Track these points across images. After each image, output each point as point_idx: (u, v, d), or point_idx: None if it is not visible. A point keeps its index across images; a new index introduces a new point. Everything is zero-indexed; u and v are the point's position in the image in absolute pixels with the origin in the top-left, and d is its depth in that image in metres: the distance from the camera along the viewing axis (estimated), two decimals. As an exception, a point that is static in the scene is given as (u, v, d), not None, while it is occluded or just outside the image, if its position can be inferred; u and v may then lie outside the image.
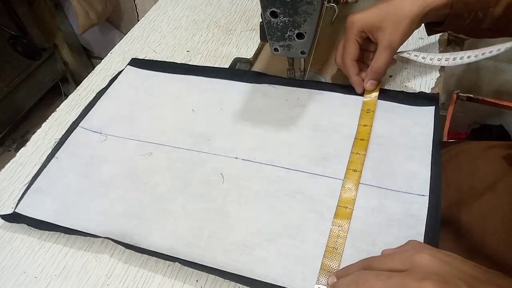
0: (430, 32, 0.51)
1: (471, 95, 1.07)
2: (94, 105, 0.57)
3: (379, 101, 0.50)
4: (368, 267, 0.33)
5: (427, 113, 0.48)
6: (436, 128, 0.47)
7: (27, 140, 0.55)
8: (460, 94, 1.08)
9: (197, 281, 0.40)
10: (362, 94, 0.51)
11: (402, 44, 0.46)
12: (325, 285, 0.37)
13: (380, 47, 0.46)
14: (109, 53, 0.68)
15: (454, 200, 0.44)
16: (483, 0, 0.43)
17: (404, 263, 0.31)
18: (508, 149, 0.53)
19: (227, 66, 0.62)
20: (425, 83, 0.54)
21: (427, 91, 0.52)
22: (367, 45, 0.50)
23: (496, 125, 1.17)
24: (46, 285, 0.41)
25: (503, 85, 1.12)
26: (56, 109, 0.59)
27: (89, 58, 1.71)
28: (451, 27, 0.46)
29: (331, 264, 0.38)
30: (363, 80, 0.50)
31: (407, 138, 0.46)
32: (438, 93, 0.51)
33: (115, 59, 0.67)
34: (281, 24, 0.44)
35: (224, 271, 0.38)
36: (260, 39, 0.49)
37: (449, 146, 0.53)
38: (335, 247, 0.39)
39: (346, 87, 0.52)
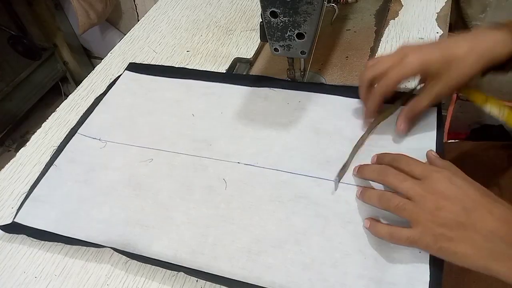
0: (483, 75, 0.46)
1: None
2: (92, 111, 0.57)
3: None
4: (396, 161, 0.39)
5: (430, 115, 0.48)
6: (439, 130, 0.46)
7: (27, 140, 0.55)
8: (460, 94, 1.07)
9: (197, 281, 0.40)
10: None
11: (453, 93, 0.42)
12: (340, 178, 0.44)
13: (433, 91, 0.43)
14: (109, 53, 0.68)
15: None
16: None
17: (422, 173, 0.37)
18: (508, 149, 0.53)
19: (227, 66, 0.62)
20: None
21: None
22: None
23: (496, 125, 1.17)
24: (46, 285, 0.41)
25: (503, 85, 1.12)
26: (56, 109, 0.59)
27: (89, 58, 1.71)
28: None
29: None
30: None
31: (410, 139, 0.46)
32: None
33: (115, 59, 0.67)
34: (281, 24, 0.44)
35: (230, 279, 0.38)
36: (260, 39, 0.49)
37: (449, 146, 0.53)
38: None
39: (347, 90, 0.52)
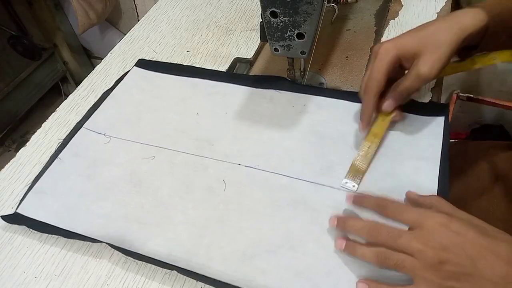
0: (462, 57, 0.47)
1: (471, 95, 1.07)
2: (99, 106, 0.57)
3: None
4: (382, 208, 0.37)
5: (436, 123, 0.47)
6: (445, 140, 0.45)
7: (27, 140, 0.55)
8: (460, 94, 1.07)
9: (197, 281, 0.40)
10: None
11: (438, 74, 0.42)
12: (352, 180, 0.43)
13: (413, 71, 0.42)
14: (109, 53, 0.68)
15: (454, 199, 0.44)
16: None
17: (415, 222, 0.34)
18: (508, 149, 0.53)
19: (227, 66, 0.62)
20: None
21: (427, 91, 0.52)
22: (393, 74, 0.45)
23: (496, 125, 1.17)
24: (46, 285, 0.41)
25: (503, 85, 1.12)
26: (56, 109, 0.59)
27: (89, 58, 1.71)
28: (487, 47, 0.44)
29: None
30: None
31: (415, 149, 0.45)
32: (448, 103, 0.50)
33: (115, 59, 0.67)
34: (281, 24, 0.44)
35: (222, 281, 0.38)
36: (260, 39, 0.49)
37: (449, 146, 0.53)
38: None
39: (353, 95, 0.51)
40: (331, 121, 0.50)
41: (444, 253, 0.31)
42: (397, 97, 0.44)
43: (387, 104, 0.45)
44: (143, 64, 0.63)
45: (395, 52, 0.42)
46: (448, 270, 0.31)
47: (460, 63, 0.47)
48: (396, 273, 0.35)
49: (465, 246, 0.31)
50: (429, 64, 0.41)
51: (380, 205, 0.38)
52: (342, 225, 0.38)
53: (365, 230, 0.36)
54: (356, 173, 0.44)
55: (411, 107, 0.49)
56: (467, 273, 0.31)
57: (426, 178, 0.42)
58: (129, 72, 0.62)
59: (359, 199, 0.40)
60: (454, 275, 0.31)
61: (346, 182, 0.43)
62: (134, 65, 0.63)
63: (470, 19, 0.41)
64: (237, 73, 0.61)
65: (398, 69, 0.44)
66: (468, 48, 0.44)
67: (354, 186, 0.43)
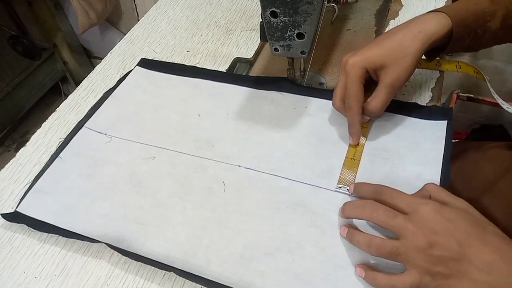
0: (430, 58, 0.49)
1: (471, 95, 1.07)
2: (100, 105, 0.57)
3: (388, 113, 0.48)
4: (378, 193, 0.38)
5: (439, 128, 0.46)
6: (448, 144, 0.44)
7: (27, 140, 0.55)
8: (460, 94, 1.07)
9: (195, 283, 0.40)
10: None
11: (406, 82, 0.44)
12: (346, 185, 0.43)
13: (381, 84, 0.43)
14: (109, 53, 0.68)
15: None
16: (480, 17, 0.42)
17: (408, 207, 0.35)
18: (508, 149, 0.53)
19: (227, 66, 0.62)
20: (426, 83, 0.54)
21: (427, 91, 0.52)
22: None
23: (496, 125, 1.17)
24: (46, 285, 0.41)
25: (503, 85, 1.12)
26: (56, 109, 0.59)
27: (89, 58, 1.72)
28: (452, 51, 0.45)
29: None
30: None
31: (416, 153, 0.45)
32: (452, 107, 0.49)
33: (115, 59, 0.67)
34: (281, 24, 0.44)
35: (220, 283, 0.38)
36: (260, 39, 0.49)
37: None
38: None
39: None
40: (332, 123, 0.50)
41: (434, 237, 0.33)
42: (372, 114, 0.45)
43: (366, 119, 0.47)
44: (145, 63, 0.62)
45: (363, 64, 0.43)
46: (437, 255, 0.32)
47: (426, 62, 0.49)
48: (393, 266, 0.36)
49: (455, 233, 0.33)
50: (395, 75, 0.42)
51: (377, 191, 0.39)
52: (344, 211, 0.40)
53: (360, 208, 0.38)
54: (348, 175, 0.44)
55: (415, 111, 0.48)
56: (455, 258, 0.32)
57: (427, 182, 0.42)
58: (131, 72, 0.62)
59: (357, 186, 0.42)
60: (442, 260, 0.32)
61: (340, 187, 0.43)
62: (137, 65, 0.63)
63: (435, 24, 0.42)
64: (239, 74, 0.60)
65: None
66: (435, 50, 0.46)
67: (347, 190, 0.43)
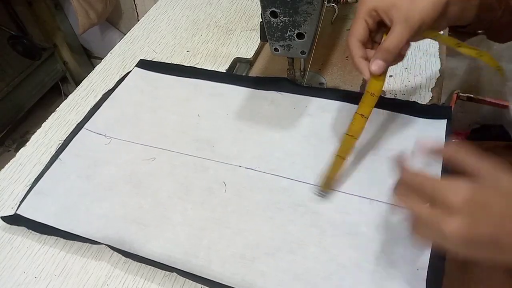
0: (462, 36, 0.43)
1: (471, 95, 1.07)
2: (100, 106, 0.57)
3: (388, 112, 0.48)
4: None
5: (439, 126, 0.46)
6: (447, 143, 0.44)
7: (27, 140, 0.55)
8: (460, 94, 1.07)
9: (196, 283, 0.40)
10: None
11: (424, 23, 0.37)
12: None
13: (395, 22, 0.37)
14: (109, 53, 0.68)
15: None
16: None
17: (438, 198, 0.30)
18: (508, 149, 0.53)
19: (227, 66, 0.62)
20: (425, 83, 0.54)
21: (427, 91, 0.52)
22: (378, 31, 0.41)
23: (496, 125, 1.17)
24: (46, 285, 0.41)
25: (503, 85, 1.12)
26: (56, 109, 0.59)
27: (89, 58, 1.71)
28: (481, 25, 0.39)
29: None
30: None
31: (417, 152, 0.44)
32: (451, 106, 0.49)
33: (115, 59, 0.67)
34: (281, 24, 0.44)
35: (221, 283, 0.38)
36: (260, 39, 0.49)
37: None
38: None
39: (355, 97, 0.50)
40: (332, 123, 0.50)
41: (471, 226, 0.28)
42: (384, 55, 0.38)
43: (375, 65, 0.38)
44: (144, 64, 0.62)
45: (372, 5, 0.38)
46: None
47: (448, 38, 0.43)
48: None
49: (488, 220, 0.28)
50: (408, 12, 0.36)
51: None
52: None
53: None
54: (329, 180, 0.43)
55: (414, 110, 0.48)
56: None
57: None
58: (130, 73, 0.61)
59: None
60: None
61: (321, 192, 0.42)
62: (135, 66, 0.62)
63: None
64: (238, 74, 0.60)
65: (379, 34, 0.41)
66: (460, 28, 0.41)
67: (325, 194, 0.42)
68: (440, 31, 0.40)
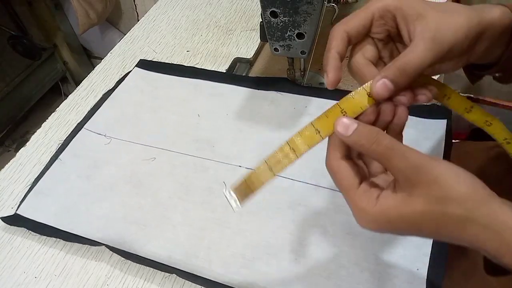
0: (474, 78, 0.37)
1: (471, 95, 1.07)
2: (99, 107, 0.57)
3: None
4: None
5: (439, 126, 0.46)
6: (448, 143, 0.44)
7: (27, 140, 0.55)
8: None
9: (196, 284, 0.40)
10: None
11: (456, 47, 0.28)
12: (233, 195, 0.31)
13: (418, 37, 0.28)
14: (109, 53, 0.68)
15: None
16: None
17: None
18: (508, 149, 0.53)
19: (227, 66, 0.62)
20: (425, 83, 0.54)
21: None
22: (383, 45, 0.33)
23: (496, 125, 1.17)
24: (46, 285, 0.41)
25: (503, 85, 1.12)
26: (56, 109, 0.59)
27: (89, 58, 1.71)
28: (510, 63, 0.32)
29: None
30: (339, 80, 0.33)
31: None
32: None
33: (115, 59, 0.67)
34: (281, 24, 0.44)
35: (222, 284, 0.38)
36: (260, 39, 0.49)
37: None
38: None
39: None
40: None
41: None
42: (398, 75, 0.28)
43: (382, 85, 0.28)
44: (144, 64, 0.62)
45: (386, 5, 0.29)
46: None
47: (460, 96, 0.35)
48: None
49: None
50: (437, 26, 0.27)
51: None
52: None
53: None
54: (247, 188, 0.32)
55: (414, 110, 0.48)
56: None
57: None
58: (130, 73, 0.61)
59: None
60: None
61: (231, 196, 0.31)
62: (135, 66, 0.62)
63: (497, 12, 0.28)
64: (238, 75, 0.60)
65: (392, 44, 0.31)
66: (483, 67, 0.34)
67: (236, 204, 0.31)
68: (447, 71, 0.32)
